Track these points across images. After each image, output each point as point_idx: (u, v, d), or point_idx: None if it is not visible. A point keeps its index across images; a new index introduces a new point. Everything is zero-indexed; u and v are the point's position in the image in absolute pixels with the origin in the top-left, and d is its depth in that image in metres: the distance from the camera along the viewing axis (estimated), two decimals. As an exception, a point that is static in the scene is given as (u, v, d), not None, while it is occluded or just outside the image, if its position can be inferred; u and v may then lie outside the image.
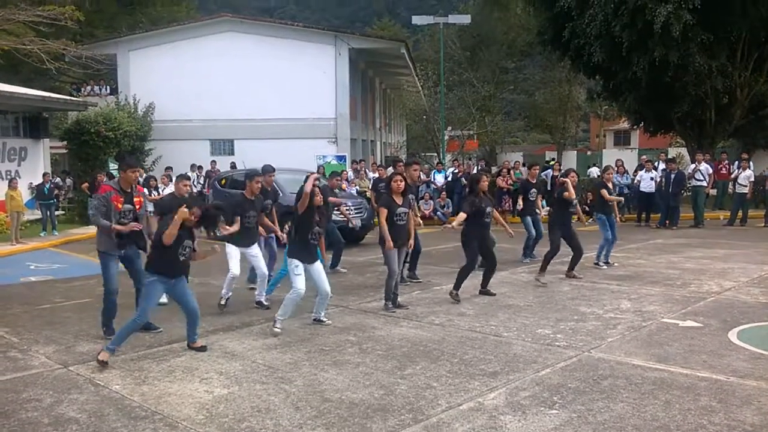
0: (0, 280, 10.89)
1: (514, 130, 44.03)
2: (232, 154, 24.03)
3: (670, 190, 16.61)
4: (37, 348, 6.58)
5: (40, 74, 26.89)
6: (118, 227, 6.57)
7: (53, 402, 5.08)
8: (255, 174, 8.36)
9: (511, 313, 7.75)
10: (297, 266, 6.91)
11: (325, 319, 7.32)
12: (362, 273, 10.76)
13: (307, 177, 6.98)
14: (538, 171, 12.85)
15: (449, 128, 31.75)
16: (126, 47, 25.30)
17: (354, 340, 6.66)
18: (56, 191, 18.20)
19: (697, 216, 16.82)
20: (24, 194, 16.76)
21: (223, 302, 8.05)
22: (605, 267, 10.61)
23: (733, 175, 17.77)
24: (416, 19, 26.18)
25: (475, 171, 19.60)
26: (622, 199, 14.21)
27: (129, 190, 6.82)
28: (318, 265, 7.11)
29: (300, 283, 6.88)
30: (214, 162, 22.08)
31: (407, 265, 9.77)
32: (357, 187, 18.04)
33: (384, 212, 7.75)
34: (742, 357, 5.89)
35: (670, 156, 20.40)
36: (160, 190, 14.92)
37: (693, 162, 18.79)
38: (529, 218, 11.66)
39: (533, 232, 11.55)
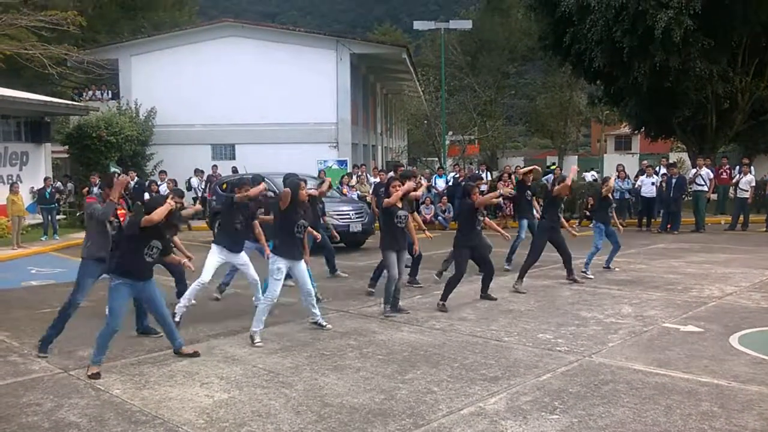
0: (1, 284, 10.89)
1: (515, 135, 44.14)
2: (234, 158, 24.05)
3: (671, 194, 16.61)
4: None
5: (42, 79, 26.93)
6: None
7: (53, 406, 5.07)
8: (245, 182, 8.22)
9: (512, 317, 7.74)
10: (278, 270, 6.79)
11: (324, 323, 7.25)
12: (363, 277, 10.72)
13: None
14: (532, 175, 12.55)
15: (450, 133, 31.76)
16: (128, 52, 25.35)
17: (355, 345, 6.65)
18: (57, 196, 18.21)
19: (698, 221, 16.82)
20: (25, 198, 16.77)
21: (177, 318, 7.32)
22: (592, 277, 10.19)
23: (734, 180, 17.77)
24: (418, 25, 26.24)
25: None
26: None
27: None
28: (302, 265, 7.02)
29: (276, 288, 6.78)
30: (215, 166, 22.11)
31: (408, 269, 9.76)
32: (358, 192, 18.05)
33: (392, 199, 7.76)
34: (743, 362, 5.88)
35: (671, 161, 20.40)
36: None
37: (694, 167, 18.80)
38: (525, 221, 11.37)
39: (523, 236, 11.26)
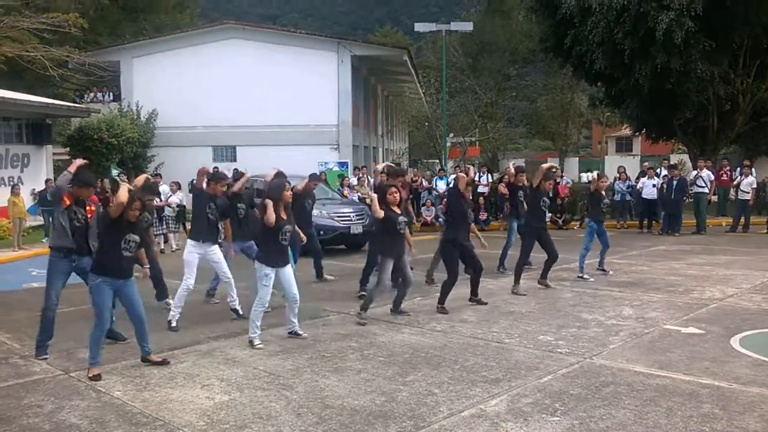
0: (2, 286, 10.90)
1: (516, 137, 44.14)
2: (235, 160, 24.03)
3: (672, 196, 16.60)
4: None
5: (44, 81, 26.98)
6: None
7: (54, 408, 5.08)
8: (221, 177, 8.20)
9: (512, 319, 7.73)
10: (266, 276, 6.69)
11: (301, 332, 7.01)
12: (364, 279, 10.73)
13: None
14: (524, 176, 12.31)
15: (451, 135, 31.79)
16: (129, 54, 25.40)
17: (355, 347, 6.65)
18: (59, 197, 18.21)
19: (699, 223, 16.81)
20: (26, 200, 16.80)
21: (174, 324, 7.42)
22: (592, 279, 10.12)
23: (735, 182, 17.76)
24: (419, 27, 26.24)
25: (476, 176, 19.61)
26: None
27: (81, 199, 6.57)
28: (288, 269, 6.90)
29: (266, 293, 6.72)
30: (216, 168, 22.09)
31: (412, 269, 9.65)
32: (358, 194, 18.04)
33: (380, 213, 7.60)
34: (744, 364, 5.87)
35: (672, 163, 20.39)
36: (162, 197, 14.92)
37: (695, 169, 18.79)
38: (515, 223, 11.23)
39: (513, 239, 11.13)
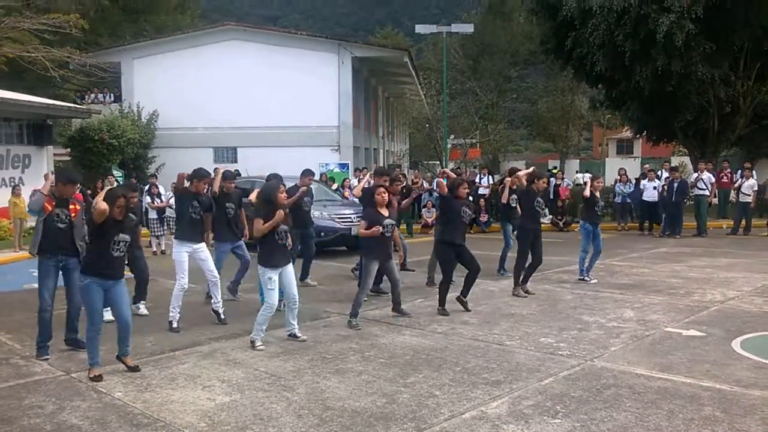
0: (3, 286, 10.92)
1: (516, 139, 44.15)
2: (235, 161, 24.05)
3: (673, 198, 16.60)
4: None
5: (44, 82, 27.01)
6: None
7: (55, 409, 5.08)
8: (204, 175, 8.14)
9: (513, 321, 7.73)
10: (270, 279, 6.66)
11: (300, 335, 6.98)
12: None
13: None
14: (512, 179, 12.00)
15: (452, 136, 31.78)
16: (130, 55, 25.42)
17: (356, 348, 6.65)
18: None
19: (700, 225, 16.80)
20: (27, 201, 16.76)
21: (175, 324, 7.48)
22: (595, 281, 10.08)
23: (736, 184, 17.75)
24: (419, 28, 26.25)
25: (476, 178, 19.62)
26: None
27: (64, 197, 6.57)
28: (290, 268, 6.89)
29: (273, 297, 6.69)
30: (217, 169, 22.11)
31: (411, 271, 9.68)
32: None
33: (364, 225, 7.56)
34: (745, 366, 5.87)
35: (672, 165, 20.40)
36: (162, 198, 14.94)
37: (696, 171, 18.79)
38: (510, 226, 11.08)
39: (510, 242, 10.97)
